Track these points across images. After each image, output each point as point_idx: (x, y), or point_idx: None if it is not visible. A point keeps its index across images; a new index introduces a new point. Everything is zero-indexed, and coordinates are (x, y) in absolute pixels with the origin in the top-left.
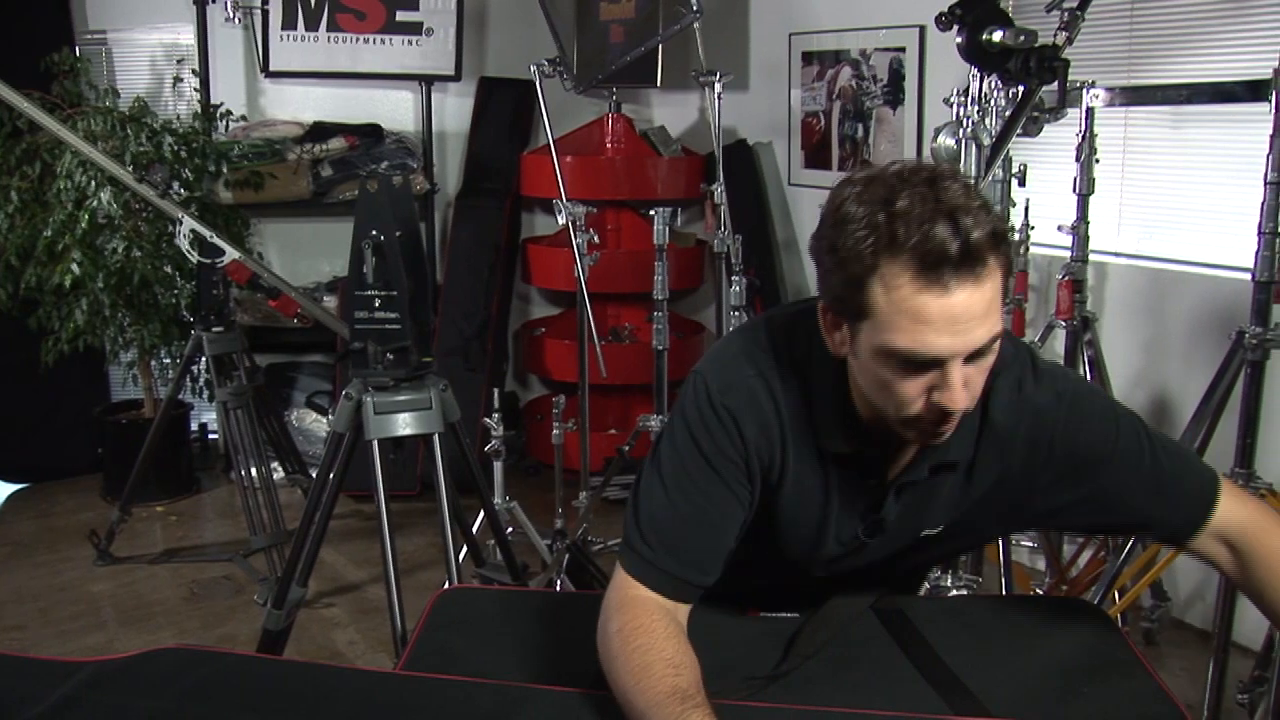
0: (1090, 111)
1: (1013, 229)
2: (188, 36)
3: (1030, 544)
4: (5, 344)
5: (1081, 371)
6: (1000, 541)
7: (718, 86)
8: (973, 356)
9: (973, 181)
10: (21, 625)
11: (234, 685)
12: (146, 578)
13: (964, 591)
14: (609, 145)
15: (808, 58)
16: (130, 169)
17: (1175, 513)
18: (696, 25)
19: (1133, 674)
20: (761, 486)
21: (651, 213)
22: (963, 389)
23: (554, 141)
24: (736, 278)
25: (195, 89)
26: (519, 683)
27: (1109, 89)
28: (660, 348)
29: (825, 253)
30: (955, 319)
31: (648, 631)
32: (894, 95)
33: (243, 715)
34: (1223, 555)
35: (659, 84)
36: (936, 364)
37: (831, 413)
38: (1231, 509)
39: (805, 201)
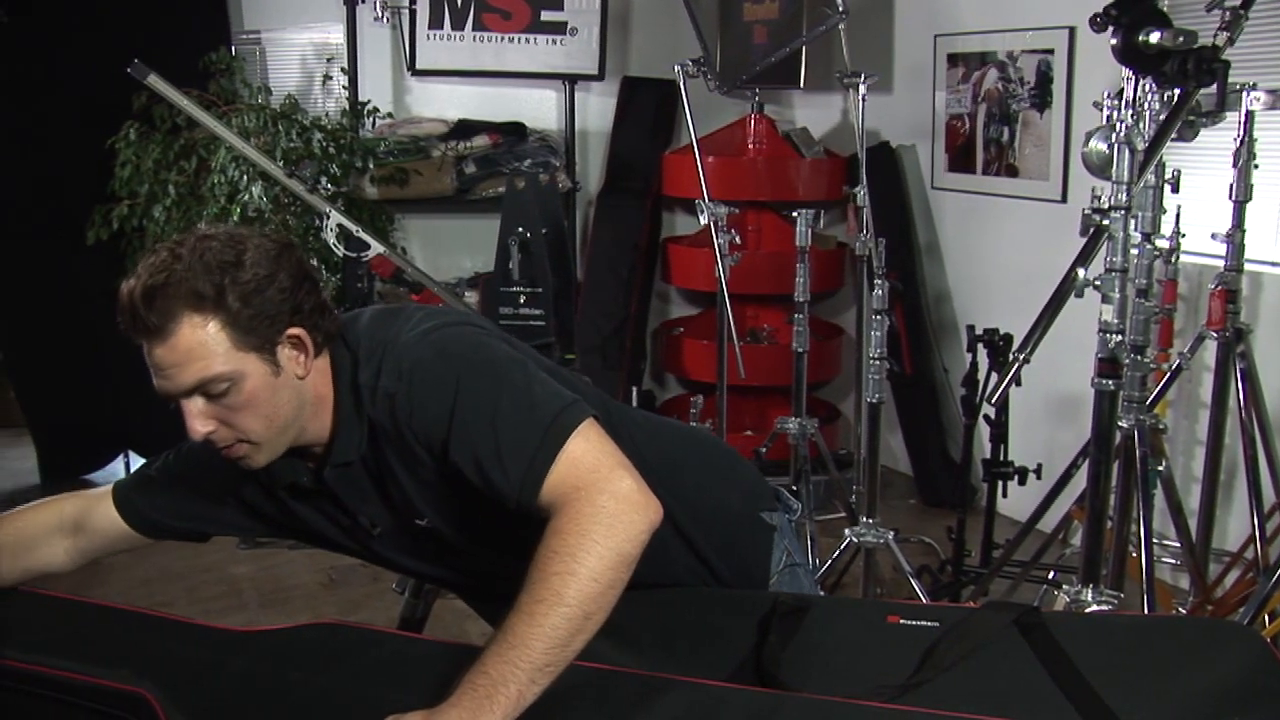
0: (1250, 115)
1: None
2: (337, 36)
3: (1173, 561)
4: None
5: (1232, 386)
6: (1144, 558)
7: (861, 88)
8: (208, 395)
9: (187, 249)
10: (169, 602)
11: (384, 660)
12: (285, 562)
13: (1105, 607)
14: (751, 146)
15: (953, 59)
16: (280, 164)
17: (510, 487)
18: (841, 26)
19: None
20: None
21: (793, 214)
22: (195, 420)
23: (697, 141)
24: (878, 281)
25: (344, 87)
26: (660, 673)
27: (1271, 91)
28: (800, 350)
29: None
30: (158, 368)
31: None
32: (1041, 98)
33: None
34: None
35: (802, 85)
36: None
37: None
38: (564, 477)
39: (948, 205)
